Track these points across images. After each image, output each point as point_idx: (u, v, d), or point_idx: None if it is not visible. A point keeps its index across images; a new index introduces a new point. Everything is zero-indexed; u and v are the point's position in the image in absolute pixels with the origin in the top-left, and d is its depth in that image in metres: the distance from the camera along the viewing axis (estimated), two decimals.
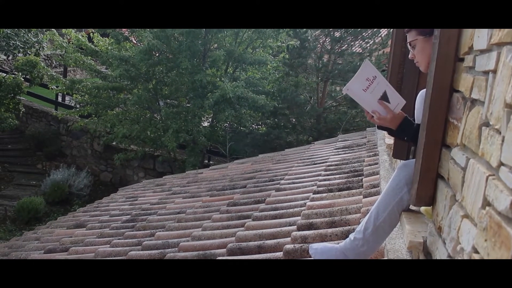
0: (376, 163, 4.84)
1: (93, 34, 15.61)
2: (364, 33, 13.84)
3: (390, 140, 4.54)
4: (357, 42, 14.37)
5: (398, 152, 3.46)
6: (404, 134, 2.58)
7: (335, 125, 13.29)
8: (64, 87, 15.56)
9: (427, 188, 2.25)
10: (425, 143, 2.21)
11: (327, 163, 5.77)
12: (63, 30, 15.77)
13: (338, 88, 14.07)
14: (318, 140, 9.15)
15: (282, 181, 5.42)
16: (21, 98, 17.14)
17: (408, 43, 2.62)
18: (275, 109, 13.38)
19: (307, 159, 6.57)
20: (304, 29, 13.82)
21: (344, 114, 13.35)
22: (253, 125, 14.81)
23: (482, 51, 1.76)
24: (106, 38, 15.27)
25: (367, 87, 2.49)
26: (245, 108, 13.51)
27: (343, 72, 13.31)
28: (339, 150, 6.63)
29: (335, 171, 5.23)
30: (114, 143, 15.19)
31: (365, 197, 3.92)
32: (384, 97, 2.50)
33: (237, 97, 12.60)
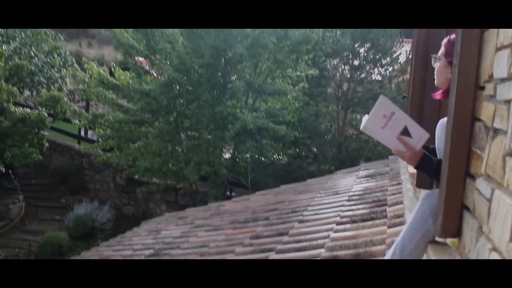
0: (400, 192, 4.78)
1: (114, 68, 15.85)
2: (383, 60, 13.84)
3: (413, 169, 4.49)
4: (376, 69, 14.36)
5: (422, 182, 3.42)
6: (425, 171, 2.54)
7: (357, 153, 13.21)
8: (86, 122, 15.77)
9: (452, 219, 2.20)
10: (448, 174, 2.17)
11: (350, 193, 5.71)
12: (85, 65, 16.02)
13: (358, 117, 14.02)
14: (340, 170, 9.09)
15: (305, 212, 5.38)
16: (45, 133, 17.39)
17: (433, 56, 2.63)
18: (296, 139, 13.37)
19: (330, 189, 6.52)
20: (323, 58, 13.88)
21: (366, 143, 13.28)
22: (274, 156, 14.77)
23: (502, 80, 1.74)
24: (127, 72, 15.48)
25: (385, 124, 2.42)
26: (266, 138, 13.52)
27: (363, 100, 13.29)
28: (362, 179, 6.57)
29: (358, 201, 5.17)
30: (136, 176, 15.27)
31: (389, 227, 3.85)
32: (405, 132, 2.44)
33: (257, 128, 12.62)
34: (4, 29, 17.85)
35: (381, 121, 2.43)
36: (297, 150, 13.91)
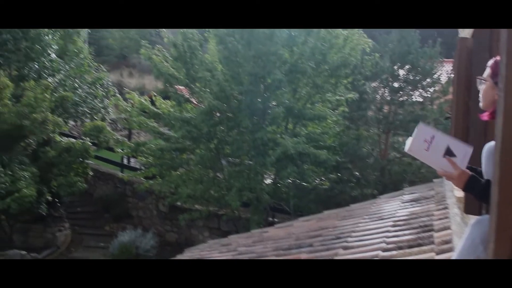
0: (447, 217, 4.67)
1: (155, 97, 16.15)
2: (423, 82, 13.66)
3: (460, 192, 4.39)
4: (416, 91, 14.18)
5: (470, 207, 3.33)
6: (473, 192, 2.49)
7: (400, 177, 13.01)
8: (129, 150, 16.05)
9: (504, 248, 2.13)
10: (498, 200, 2.11)
11: (395, 218, 5.61)
12: (127, 95, 16.38)
13: (400, 139, 13.83)
14: (383, 194, 8.96)
15: (349, 239, 5.30)
16: (89, 162, 17.79)
17: (479, 78, 2.59)
18: (337, 164, 13.27)
19: (374, 214, 6.41)
20: (362, 82, 13.82)
21: (409, 166, 13.06)
22: (316, 181, 14.68)
23: None
24: (168, 100, 15.74)
25: (427, 147, 2.46)
26: (307, 163, 13.48)
27: (405, 123, 13.12)
28: (406, 203, 6.45)
29: (403, 227, 5.07)
30: (178, 203, 15.41)
31: (437, 254, 3.76)
32: (448, 152, 2.44)
33: (298, 153, 12.60)
34: (50, 62, 18.45)
35: (423, 146, 2.47)
36: (339, 174, 13.79)
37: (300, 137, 13.32)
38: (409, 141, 2.50)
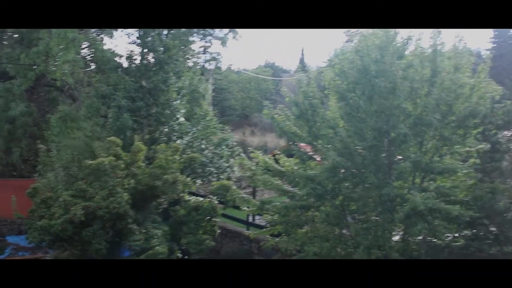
0: None
1: (278, 155, 16.38)
2: None
3: None
4: None
5: None
6: None
7: None
8: (254, 208, 16.29)
9: None
10: None
11: None
12: (251, 154, 16.78)
13: None
14: None
15: None
16: (217, 220, 18.31)
17: None
18: (471, 219, 12.51)
19: None
20: (494, 131, 13.13)
21: None
22: (449, 238, 13.91)
23: None
24: (291, 158, 15.89)
25: None
26: (438, 219, 12.85)
27: None
28: None
29: None
30: None
31: None
32: None
33: (428, 209, 12.08)
34: (178, 125, 19.53)
35: None
36: (474, 231, 12.98)
37: (429, 192, 12.78)
38: None
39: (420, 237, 13.50)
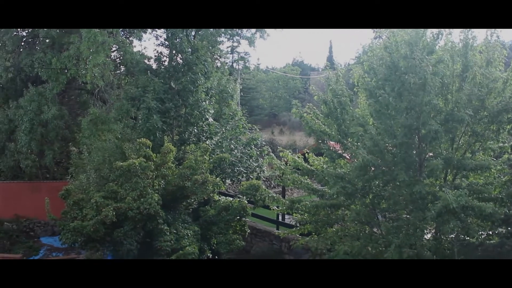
0: None
1: (308, 154, 16.30)
2: None
3: None
4: None
5: None
6: None
7: None
8: (284, 207, 16.26)
9: None
10: None
11: None
12: (280, 154, 16.75)
13: None
14: None
15: None
16: (246, 219, 18.32)
17: None
18: (506, 217, 12.25)
19: None
20: None
21: None
22: (483, 236, 13.65)
23: None
24: (321, 157, 15.79)
25: None
26: (471, 217, 12.60)
27: None
28: None
29: None
30: None
31: None
32: None
33: (461, 206, 11.85)
34: (207, 126, 19.60)
35: None
36: (510, 228, 12.69)
37: (462, 189, 12.53)
38: None
39: (452, 235, 13.26)
